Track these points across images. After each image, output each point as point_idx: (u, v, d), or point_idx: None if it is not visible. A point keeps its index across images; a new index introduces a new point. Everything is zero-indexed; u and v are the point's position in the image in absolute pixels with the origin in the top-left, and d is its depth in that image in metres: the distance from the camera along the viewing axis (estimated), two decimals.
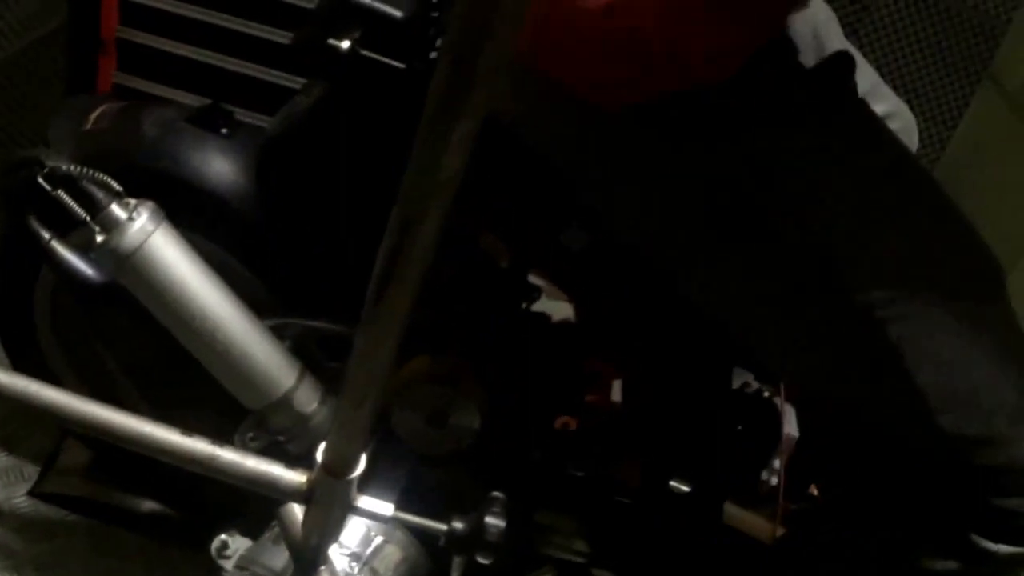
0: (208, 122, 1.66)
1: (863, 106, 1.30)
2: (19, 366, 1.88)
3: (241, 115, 2.40)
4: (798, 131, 1.22)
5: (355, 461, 1.10)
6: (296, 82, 2.34)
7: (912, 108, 1.80)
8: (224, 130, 1.66)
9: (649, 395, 1.69)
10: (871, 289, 1.22)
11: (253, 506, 1.50)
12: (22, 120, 2.40)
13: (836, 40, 1.60)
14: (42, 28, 2.38)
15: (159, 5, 2.47)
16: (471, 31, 0.67)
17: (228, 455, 1.19)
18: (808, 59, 1.27)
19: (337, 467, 1.11)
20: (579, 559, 1.78)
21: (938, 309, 1.24)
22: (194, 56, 2.50)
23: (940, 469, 1.29)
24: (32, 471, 2.11)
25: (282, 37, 2.38)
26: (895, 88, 1.76)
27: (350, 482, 1.13)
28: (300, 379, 1.56)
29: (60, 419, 1.25)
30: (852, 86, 1.27)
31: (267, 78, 2.46)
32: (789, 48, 1.25)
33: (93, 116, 1.68)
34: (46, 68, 2.45)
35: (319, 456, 1.11)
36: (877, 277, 1.23)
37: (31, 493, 2.07)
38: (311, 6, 2.19)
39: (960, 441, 1.26)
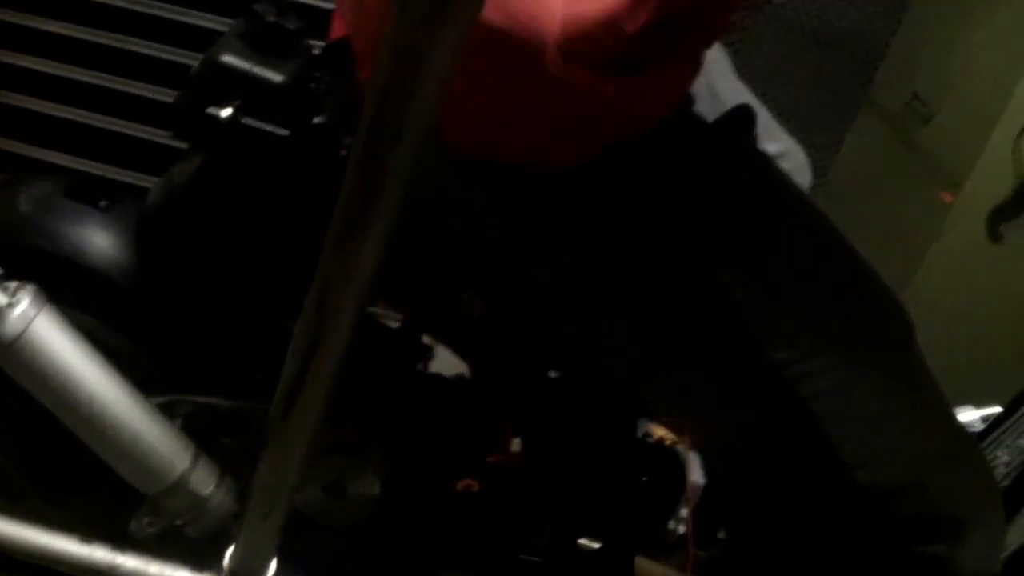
0: (85, 196, 1.60)
1: (765, 161, 1.29)
2: None
3: (121, 174, 2.36)
4: (702, 195, 1.20)
5: (265, 568, 1.07)
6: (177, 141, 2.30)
7: (794, 135, 1.80)
8: (103, 203, 1.60)
9: (550, 453, 1.67)
10: (781, 348, 1.21)
11: None
12: None
13: (726, 79, 1.59)
14: None
15: (35, 66, 2.42)
16: (382, 133, 0.64)
17: (131, 562, 1.15)
18: (703, 105, 1.24)
19: (246, 573, 1.07)
20: None
21: (849, 364, 1.23)
22: (72, 117, 2.45)
23: (860, 521, 1.29)
24: None
25: (159, 95, 2.34)
26: (775, 116, 1.76)
27: None
28: (195, 460, 1.51)
29: None
30: (753, 141, 1.26)
31: (146, 136, 2.42)
32: (686, 99, 1.23)
33: None
34: None
35: (226, 562, 1.07)
36: (787, 336, 1.22)
37: None
38: (192, 63, 2.16)
39: (878, 493, 1.26)
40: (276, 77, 1.39)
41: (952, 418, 1.37)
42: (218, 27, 2.38)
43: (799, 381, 1.21)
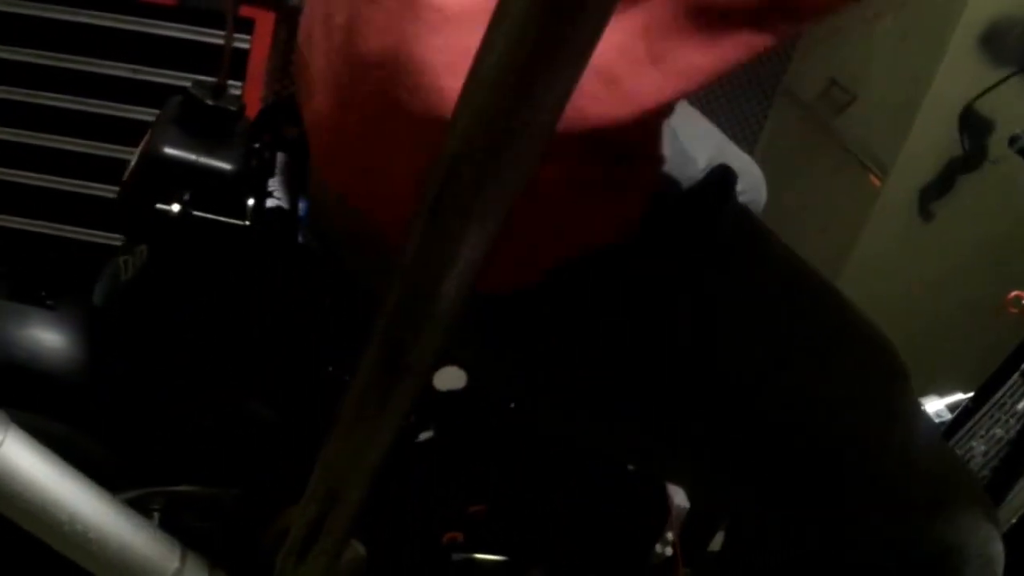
0: (28, 295, 1.55)
1: (747, 218, 1.27)
2: None
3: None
4: (688, 264, 1.17)
5: None
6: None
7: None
8: (48, 301, 1.55)
9: (529, 493, 1.66)
10: (783, 410, 1.20)
11: None
12: None
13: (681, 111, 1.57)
14: None
15: None
16: (402, 329, 0.63)
17: None
18: (670, 157, 1.20)
19: None
20: None
21: (846, 415, 1.23)
22: None
23: (863, 564, 1.30)
24: None
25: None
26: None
27: None
28: (183, 559, 1.48)
29: None
30: (733, 199, 1.23)
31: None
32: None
33: None
34: None
35: None
36: (788, 398, 1.21)
37: None
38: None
39: (881, 538, 1.27)
40: (225, 166, 1.35)
41: (943, 453, 1.40)
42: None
43: (798, 435, 1.21)
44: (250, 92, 2.32)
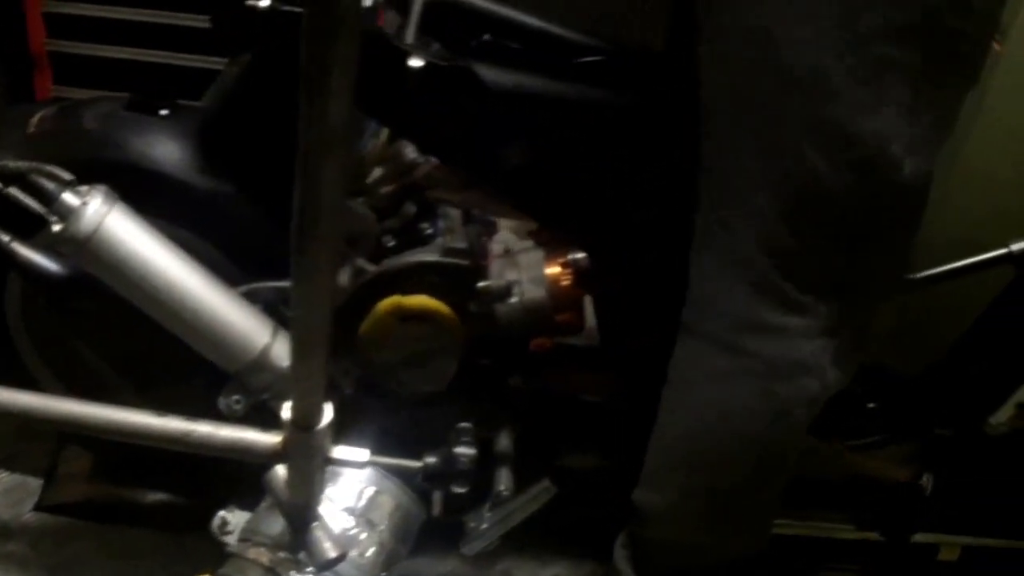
0: (146, 107, 1.68)
1: None
2: None
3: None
4: None
5: (319, 411, 1.13)
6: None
7: None
8: (163, 111, 1.68)
9: (626, 312, 1.71)
10: None
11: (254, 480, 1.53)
12: None
13: None
14: None
15: (82, 12, 2.49)
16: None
17: (202, 429, 1.20)
18: None
19: (304, 420, 1.13)
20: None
21: None
22: (125, 56, 2.51)
23: None
24: (35, 485, 2.12)
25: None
26: None
27: (321, 432, 1.15)
28: (274, 335, 1.59)
29: (31, 419, 1.27)
30: None
31: (199, 65, 2.49)
32: None
33: (34, 121, 1.69)
34: None
35: (286, 414, 1.14)
36: None
37: (37, 507, 2.08)
38: None
39: None
40: None
41: None
42: None
43: None
44: None
